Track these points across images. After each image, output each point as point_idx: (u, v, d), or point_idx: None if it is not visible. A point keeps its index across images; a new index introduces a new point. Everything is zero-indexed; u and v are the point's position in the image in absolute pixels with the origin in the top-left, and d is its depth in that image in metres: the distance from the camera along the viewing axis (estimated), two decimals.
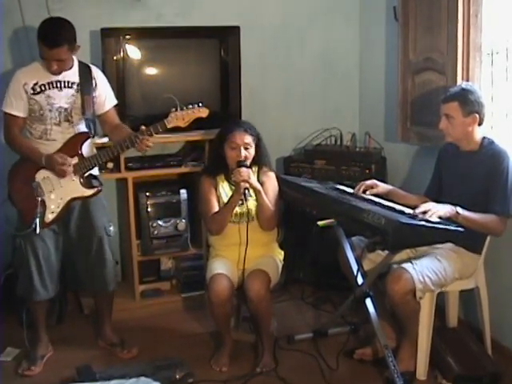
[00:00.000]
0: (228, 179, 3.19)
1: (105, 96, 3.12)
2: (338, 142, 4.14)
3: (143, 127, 2.92)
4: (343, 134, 4.15)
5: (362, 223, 2.54)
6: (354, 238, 3.10)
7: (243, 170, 3.02)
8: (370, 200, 2.91)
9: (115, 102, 3.18)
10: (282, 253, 3.33)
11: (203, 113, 2.99)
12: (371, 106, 4.26)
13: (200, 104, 2.97)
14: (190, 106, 2.96)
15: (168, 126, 2.93)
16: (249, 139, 3.13)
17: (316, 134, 4.21)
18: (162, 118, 2.94)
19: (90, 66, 3.10)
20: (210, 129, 3.56)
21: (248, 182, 3.01)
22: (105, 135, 3.37)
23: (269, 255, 3.21)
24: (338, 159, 3.89)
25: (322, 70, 4.30)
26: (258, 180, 3.16)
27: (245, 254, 3.06)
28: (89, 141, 3.06)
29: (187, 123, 2.97)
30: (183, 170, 3.77)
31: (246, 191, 3.02)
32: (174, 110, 2.92)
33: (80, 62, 3.05)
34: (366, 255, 2.99)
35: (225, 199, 3.14)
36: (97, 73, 3.11)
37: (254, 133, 3.18)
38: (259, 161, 3.22)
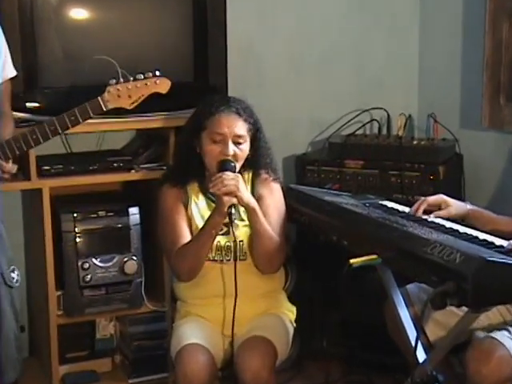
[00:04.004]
0: (205, 191, 3.23)
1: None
2: (384, 131, 4.19)
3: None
4: (391, 117, 4.21)
5: (424, 262, 2.49)
6: (409, 286, 3.11)
7: (228, 175, 3.03)
8: (437, 225, 2.89)
9: (13, 72, 3.14)
10: (294, 309, 3.36)
11: (162, 86, 3.00)
12: (438, 73, 4.33)
13: (156, 72, 2.98)
14: (141, 76, 2.95)
15: (105, 108, 2.93)
16: (242, 128, 3.17)
17: (347, 119, 4.26)
18: (95, 92, 2.92)
19: None
20: (176, 110, 3.65)
21: (236, 196, 3.01)
22: None
23: (273, 313, 3.24)
24: (384, 158, 3.90)
25: (357, 19, 4.34)
26: (253, 193, 3.20)
27: (233, 312, 3.07)
28: None
29: (136, 103, 2.97)
30: (133, 176, 3.79)
31: (233, 210, 3.02)
32: (113, 81, 2.91)
33: None
34: (430, 314, 2.97)
35: (199, 223, 3.17)
36: None
37: (250, 118, 3.22)
38: (256, 163, 3.27)
